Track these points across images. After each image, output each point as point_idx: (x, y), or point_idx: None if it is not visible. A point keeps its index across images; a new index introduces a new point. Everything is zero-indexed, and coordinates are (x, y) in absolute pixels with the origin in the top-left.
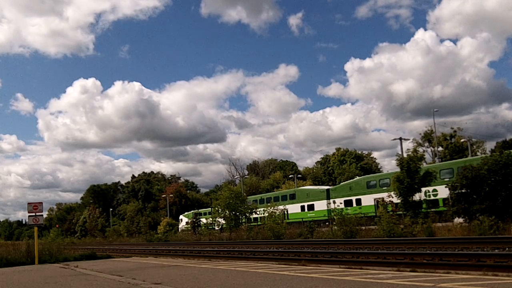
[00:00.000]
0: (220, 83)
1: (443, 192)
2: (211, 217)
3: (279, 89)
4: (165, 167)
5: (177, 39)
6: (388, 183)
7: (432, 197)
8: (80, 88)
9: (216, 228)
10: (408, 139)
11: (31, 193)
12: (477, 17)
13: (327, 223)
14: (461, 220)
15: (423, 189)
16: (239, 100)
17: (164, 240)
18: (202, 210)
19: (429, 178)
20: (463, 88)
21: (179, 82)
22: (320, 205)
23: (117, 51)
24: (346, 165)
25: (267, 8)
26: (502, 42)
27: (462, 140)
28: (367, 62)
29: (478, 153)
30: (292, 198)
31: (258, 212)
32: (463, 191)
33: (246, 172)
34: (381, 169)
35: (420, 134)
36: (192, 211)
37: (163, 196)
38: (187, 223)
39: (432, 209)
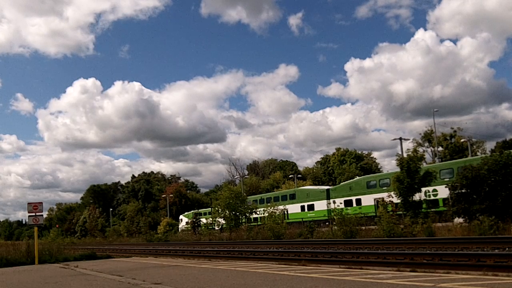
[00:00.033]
0: (220, 83)
1: (443, 192)
2: (211, 217)
3: (279, 89)
4: (165, 167)
5: (177, 39)
6: (388, 183)
7: (432, 197)
8: (80, 88)
9: (216, 228)
10: (408, 139)
11: (31, 193)
12: (477, 17)
13: (327, 223)
14: (461, 220)
15: (423, 189)
16: (239, 100)
17: (164, 240)
18: (202, 210)
19: (429, 178)
20: (463, 88)
21: (179, 82)
22: (320, 205)
23: (117, 51)
24: (346, 165)
25: (267, 8)
26: (502, 42)
27: (462, 140)
28: (367, 62)
29: (478, 153)
30: (292, 198)
31: (258, 212)
32: (463, 191)
33: (246, 172)
34: (381, 169)
35: (420, 134)
36: (192, 211)
37: (163, 196)
38: (187, 223)
39: (432, 209)
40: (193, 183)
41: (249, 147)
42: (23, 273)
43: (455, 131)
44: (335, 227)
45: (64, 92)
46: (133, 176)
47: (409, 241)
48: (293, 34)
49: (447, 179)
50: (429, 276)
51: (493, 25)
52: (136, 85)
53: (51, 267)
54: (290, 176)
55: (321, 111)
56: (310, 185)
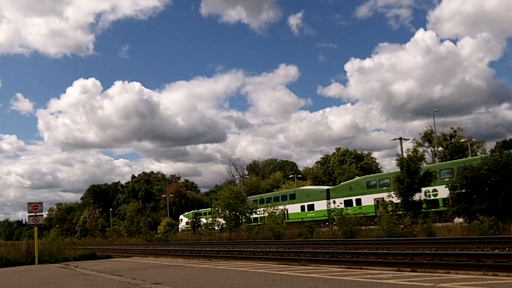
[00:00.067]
0: (220, 83)
1: (443, 192)
2: (211, 217)
3: (279, 89)
4: (165, 167)
5: (177, 39)
6: (388, 183)
7: (432, 197)
8: (80, 88)
9: (216, 228)
10: (408, 139)
11: (31, 193)
12: (477, 17)
13: (327, 223)
14: (461, 220)
15: (423, 189)
16: (239, 100)
17: (164, 240)
18: (202, 210)
19: (429, 178)
20: (463, 88)
21: (179, 82)
22: (320, 205)
23: (117, 51)
24: (346, 165)
25: (267, 8)
26: (502, 42)
27: (462, 140)
28: (367, 62)
29: (478, 153)
30: (292, 198)
31: (258, 212)
32: (463, 191)
33: (246, 172)
34: (381, 169)
35: (420, 134)
36: (192, 211)
37: (163, 196)
38: (187, 223)
39: (432, 209)
40: (193, 183)
41: (249, 147)
42: (23, 273)
43: (455, 131)
44: (335, 227)
45: (64, 92)
46: (133, 176)
47: (409, 241)
48: (293, 34)
49: (447, 179)
50: (429, 276)
51: (493, 25)
52: (136, 85)
53: (51, 267)
54: (290, 176)
55: (321, 111)
56: (310, 185)
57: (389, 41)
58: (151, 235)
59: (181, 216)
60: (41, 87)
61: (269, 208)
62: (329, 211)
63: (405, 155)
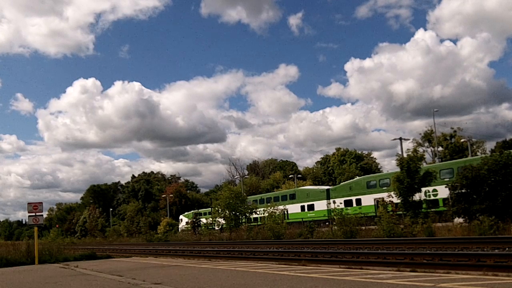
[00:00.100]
0: (220, 83)
1: (443, 192)
2: (211, 217)
3: (279, 89)
4: (165, 167)
5: (177, 39)
6: (388, 183)
7: (432, 197)
8: (80, 88)
9: (216, 228)
10: (408, 139)
11: (31, 193)
12: (477, 17)
13: (327, 223)
14: (461, 220)
15: (423, 189)
16: (239, 100)
17: (164, 240)
18: (202, 210)
19: (429, 178)
20: (463, 88)
21: (179, 82)
22: (320, 205)
23: (117, 51)
24: (346, 165)
25: (267, 8)
26: (502, 42)
27: (462, 140)
28: (367, 62)
29: (478, 153)
30: (292, 198)
31: (258, 212)
32: (463, 191)
33: (246, 172)
34: (381, 169)
35: (420, 134)
36: (192, 211)
37: (163, 196)
38: (187, 223)
39: (432, 209)
40: (193, 183)
41: (249, 147)
42: (23, 273)
43: (455, 131)
44: (335, 227)
45: (64, 92)
46: (133, 176)
47: (409, 241)
48: (293, 34)
49: (447, 179)
50: (429, 276)
51: (493, 25)
52: (136, 85)
53: (51, 267)
54: (290, 176)
55: (321, 111)
56: (310, 185)
57: (389, 41)
58: (151, 235)
59: (181, 216)
60: (41, 87)
61: (269, 208)
62: (329, 211)
63: (405, 155)
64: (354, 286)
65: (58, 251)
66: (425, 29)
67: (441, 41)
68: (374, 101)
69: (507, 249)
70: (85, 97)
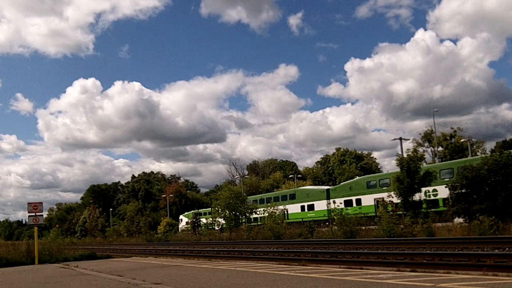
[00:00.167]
0: (220, 83)
1: (443, 192)
2: (211, 217)
3: (279, 89)
4: (165, 167)
5: (177, 39)
6: (388, 183)
7: (432, 197)
8: (80, 88)
9: (216, 228)
10: (408, 139)
11: (31, 193)
12: (477, 17)
13: (327, 223)
14: (461, 220)
15: (423, 189)
16: (239, 100)
17: (164, 240)
18: (202, 210)
19: (429, 178)
20: (463, 88)
21: (179, 82)
22: (320, 205)
23: (117, 51)
24: (346, 165)
25: (267, 8)
26: (502, 42)
27: (462, 140)
28: (367, 62)
29: (478, 153)
30: (292, 198)
31: (258, 212)
32: (463, 191)
33: (246, 172)
34: (381, 169)
35: (420, 134)
36: (192, 211)
37: (163, 196)
38: (187, 223)
39: (432, 209)
40: (193, 183)
41: (249, 147)
42: (23, 273)
43: (455, 131)
44: (335, 227)
45: (64, 92)
46: (133, 176)
47: (409, 241)
48: (293, 34)
49: (447, 179)
50: (429, 276)
51: (493, 25)
52: (136, 85)
53: (51, 267)
54: (290, 176)
55: (321, 111)
56: (310, 185)
57: (389, 41)
58: (151, 235)
59: (181, 216)
60: (41, 87)
61: (269, 208)
62: (329, 211)
63: (405, 155)
64: (354, 286)
65: (58, 251)
66: (425, 29)
67: (441, 41)
68: (374, 101)
69: (507, 249)
70: (85, 97)
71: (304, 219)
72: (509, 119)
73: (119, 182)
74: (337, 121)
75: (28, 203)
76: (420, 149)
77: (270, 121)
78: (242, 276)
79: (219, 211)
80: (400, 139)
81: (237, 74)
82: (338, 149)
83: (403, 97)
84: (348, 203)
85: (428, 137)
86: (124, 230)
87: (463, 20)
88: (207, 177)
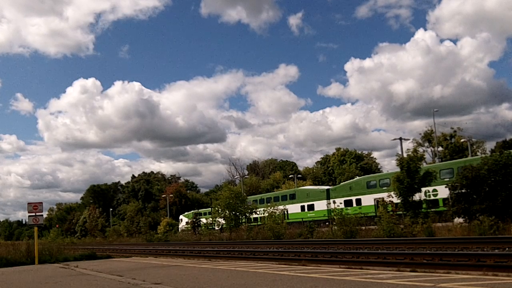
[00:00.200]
0: (220, 83)
1: (443, 192)
2: (211, 217)
3: (279, 89)
4: (165, 167)
5: (177, 39)
6: (388, 183)
7: (432, 197)
8: (80, 88)
9: (216, 228)
10: (408, 139)
11: (31, 193)
12: (477, 17)
13: (327, 223)
14: (461, 220)
15: (423, 189)
16: (239, 100)
17: (164, 240)
18: (202, 210)
19: (429, 178)
20: (463, 88)
21: (179, 82)
22: (320, 205)
23: (117, 51)
24: (346, 165)
25: (267, 8)
26: (502, 42)
27: (462, 140)
28: (367, 62)
29: (478, 153)
30: (292, 198)
31: (258, 212)
32: (463, 191)
33: (246, 172)
34: (381, 169)
35: (420, 134)
36: (192, 211)
37: (163, 196)
38: (187, 223)
39: (432, 209)
40: (193, 183)
41: (249, 147)
42: (23, 273)
43: (455, 131)
44: (335, 227)
45: (64, 92)
46: (133, 176)
47: (409, 241)
48: (293, 34)
49: (447, 179)
50: (429, 276)
51: (493, 25)
52: (136, 85)
53: (51, 267)
54: (290, 176)
55: (321, 111)
56: (310, 185)
57: (389, 41)
58: (151, 235)
59: (181, 216)
60: (41, 87)
61: (269, 208)
62: (329, 211)
63: (405, 155)
64: (354, 286)
65: (58, 251)
66: (425, 29)
67: (441, 41)
68: (374, 101)
69: (507, 249)
70: (85, 97)
71: (304, 219)
72: (509, 119)
73: (119, 182)
74: (337, 121)
75: (28, 203)
76: (420, 149)
77: (270, 121)
78: (242, 276)
79: (219, 211)
80: (400, 139)
81: (237, 74)
82: (338, 149)
83: (403, 97)
84: (348, 203)
85: (428, 137)
86: (124, 230)
87: (463, 20)
88: (207, 177)
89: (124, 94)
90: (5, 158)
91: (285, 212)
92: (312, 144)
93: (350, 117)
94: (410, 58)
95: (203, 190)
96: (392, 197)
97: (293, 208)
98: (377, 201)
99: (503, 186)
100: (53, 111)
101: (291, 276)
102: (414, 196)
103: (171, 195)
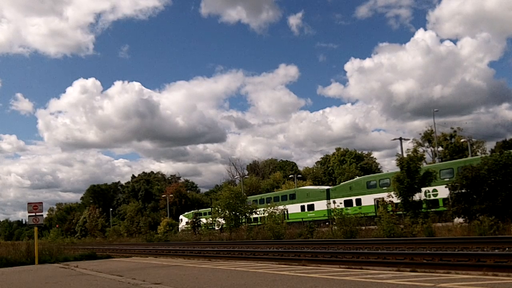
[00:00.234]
0: (220, 83)
1: (443, 192)
2: (211, 217)
3: (279, 89)
4: (165, 167)
5: (177, 39)
6: (388, 183)
7: (432, 197)
8: (80, 88)
9: (216, 228)
10: (408, 139)
11: (31, 193)
12: (477, 17)
13: (327, 223)
14: (461, 220)
15: (423, 189)
16: (239, 100)
17: (164, 240)
18: (202, 210)
19: (429, 178)
20: (463, 88)
21: (179, 82)
22: (320, 205)
23: (117, 51)
24: (346, 165)
25: (267, 8)
26: (502, 42)
27: (462, 140)
28: (367, 62)
29: (478, 153)
30: (292, 198)
31: (258, 212)
32: (463, 191)
33: (246, 172)
34: (381, 169)
35: (420, 134)
36: (192, 211)
37: (163, 196)
38: (187, 223)
39: (432, 209)
40: (193, 183)
41: (249, 147)
42: (23, 273)
43: (455, 131)
44: (335, 227)
45: (64, 92)
46: (133, 176)
47: (409, 241)
48: (293, 34)
49: (447, 179)
50: (429, 276)
51: (493, 25)
52: (136, 85)
53: (51, 267)
54: (290, 176)
55: (321, 111)
56: (310, 185)
57: (389, 41)
58: (151, 235)
59: (181, 216)
60: (41, 87)
61: (269, 208)
62: (329, 211)
63: (405, 155)
64: (354, 286)
65: (58, 251)
66: (425, 29)
67: (441, 41)
68: (374, 101)
69: (507, 249)
70: (85, 97)
71: (304, 219)
72: (509, 119)
73: (119, 182)
74: (337, 121)
75: (28, 203)
76: (420, 149)
77: (270, 121)
78: (242, 276)
79: (219, 211)
80: (400, 139)
81: (237, 74)
82: (338, 149)
83: (403, 97)
84: (348, 203)
85: (428, 137)
86: (124, 230)
87: (463, 20)
88: (207, 177)
89: (124, 94)
90: (5, 158)
91: (285, 212)
92: (312, 144)
93: (350, 117)
94: (410, 58)
95: (203, 190)
96: (392, 197)
97: (293, 208)
98: (377, 201)
99: (503, 186)
100: (53, 111)
101: (291, 276)
102: (414, 196)
103: (171, 195)
